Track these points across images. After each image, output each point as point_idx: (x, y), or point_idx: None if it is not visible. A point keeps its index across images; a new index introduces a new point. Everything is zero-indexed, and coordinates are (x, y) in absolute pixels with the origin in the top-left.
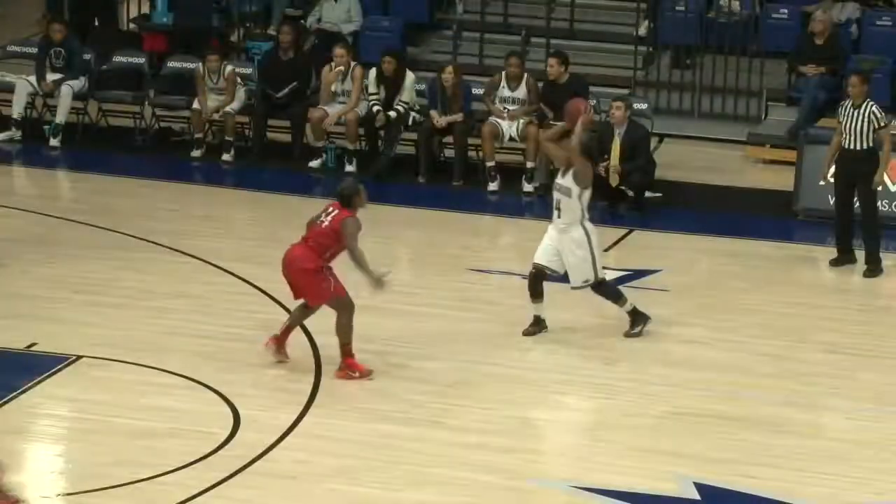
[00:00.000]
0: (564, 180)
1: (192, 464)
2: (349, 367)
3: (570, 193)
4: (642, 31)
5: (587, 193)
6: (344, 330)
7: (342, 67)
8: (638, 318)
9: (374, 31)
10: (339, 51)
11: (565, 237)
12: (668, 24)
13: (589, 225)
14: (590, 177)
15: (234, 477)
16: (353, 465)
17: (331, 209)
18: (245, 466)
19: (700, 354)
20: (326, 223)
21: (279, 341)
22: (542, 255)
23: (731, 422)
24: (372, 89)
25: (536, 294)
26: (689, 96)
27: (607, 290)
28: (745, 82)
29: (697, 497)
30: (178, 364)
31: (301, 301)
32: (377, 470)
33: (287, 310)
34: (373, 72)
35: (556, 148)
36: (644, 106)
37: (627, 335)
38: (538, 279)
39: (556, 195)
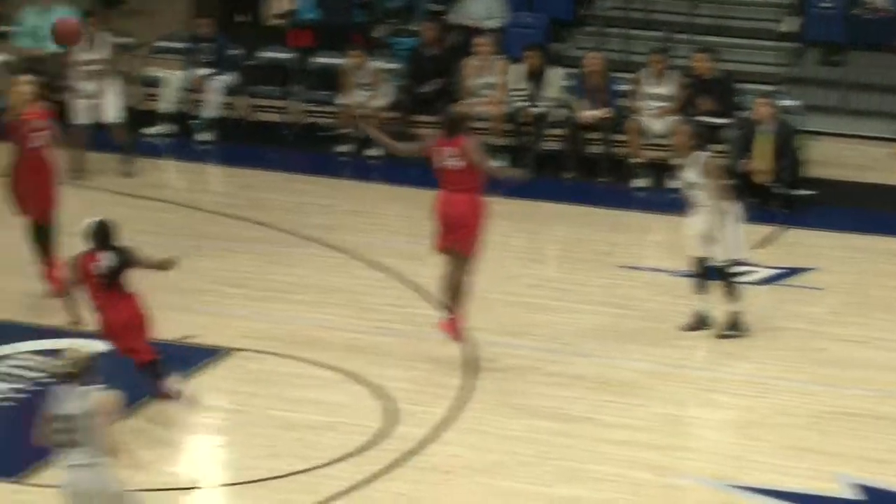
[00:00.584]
0: (691, 173)
1: (346, 457)
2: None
3: (699, 186)
4: (786, 27)
5: (717, 183)
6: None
7: (484, 57)
8: (737, 324)
9: (519, 28)
10: (480, 40)
11: (707, 220)
12: (814, 21)
13: (727, 206)
14: (718, 169)
15: (388, 471)
16: (506, 460)
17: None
18: (399, 460)
19: (855, 353)
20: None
21: (454, 323)
22: (698, 246)
23: (890, 422)
24: (517, 85)
25: (702, 288)
26: (837, 93)
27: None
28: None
29: (863, 498)
30: (331, 357)
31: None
32: (529, 465)
33: (437, 306)
34: (518, 67)
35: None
36: (794, 103)
37: (720, 335)
38: (702, 272)
39: (686, 188)
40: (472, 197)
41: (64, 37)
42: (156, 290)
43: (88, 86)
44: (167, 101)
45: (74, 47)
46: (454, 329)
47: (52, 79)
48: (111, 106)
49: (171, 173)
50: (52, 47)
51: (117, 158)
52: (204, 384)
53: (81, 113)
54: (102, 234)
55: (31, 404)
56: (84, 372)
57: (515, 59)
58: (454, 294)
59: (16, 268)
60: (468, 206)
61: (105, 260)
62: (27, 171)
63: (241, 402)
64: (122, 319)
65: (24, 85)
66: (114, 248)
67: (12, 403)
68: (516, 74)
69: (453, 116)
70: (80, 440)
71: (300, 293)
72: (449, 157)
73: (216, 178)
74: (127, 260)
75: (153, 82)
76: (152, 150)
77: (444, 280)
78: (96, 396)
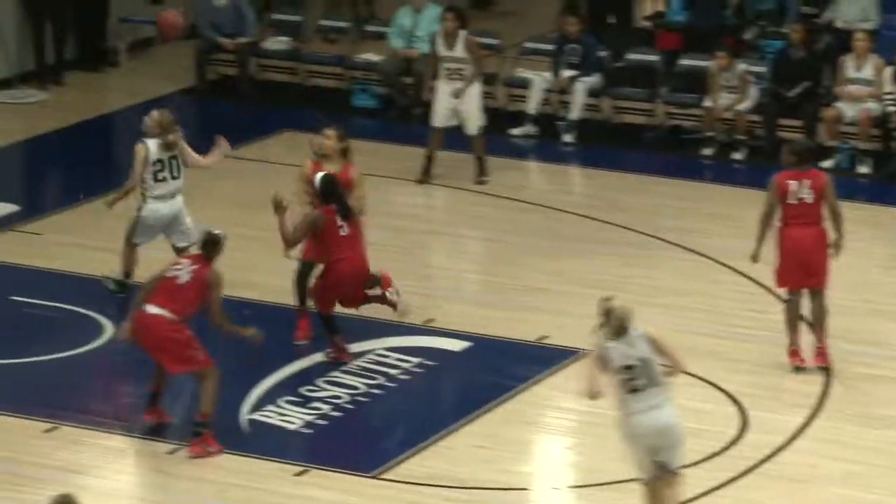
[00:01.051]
0: None
1: (699, 462)
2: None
3: None
4: None
5: None
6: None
7: (861, 54)
8: None
9: (892, 31)
10: (859, 35)
11: None
12: None
13: None
14: None
15: (740, 478)
16: (862, 471)
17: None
18: (752, 468)
19: None
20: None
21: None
22: None
23: None
24: (888, 87)
25: None
26: None
27: None
28: None
29: None
30: (687, 361)
31: None
32: (887, 476)
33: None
34: (890, 70)
35: None
36: None
37: None
38: None
39: None
40: (820, 229)
41: (163, 30)
42: (511, 290)
43: (449, 87)
44: (533, 102)
45: (439, 49)
46: (823, 357)
47: (420, 79)
48: (471, 116)
49: (534, 174)
50: (424, 48)
51: (473, 167)
52: (559, 385)
53: (440, 116)
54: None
55: (386, 401)
56: (626, 322)
57: (887, 63)
58: (819, 325)
59: None
60: (819, 241)
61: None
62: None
63: (593, 404)
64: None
65: (330, 139)
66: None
67: (368, 400)
68: (888, 77)
69: (805, 147)
70: (647, 384)
71: (657, 296)
72: (800, 191)
73: (577, 180)
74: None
75: (520, 83)
76: (516, 151)
77: (792, 313)
78: (646, 339)
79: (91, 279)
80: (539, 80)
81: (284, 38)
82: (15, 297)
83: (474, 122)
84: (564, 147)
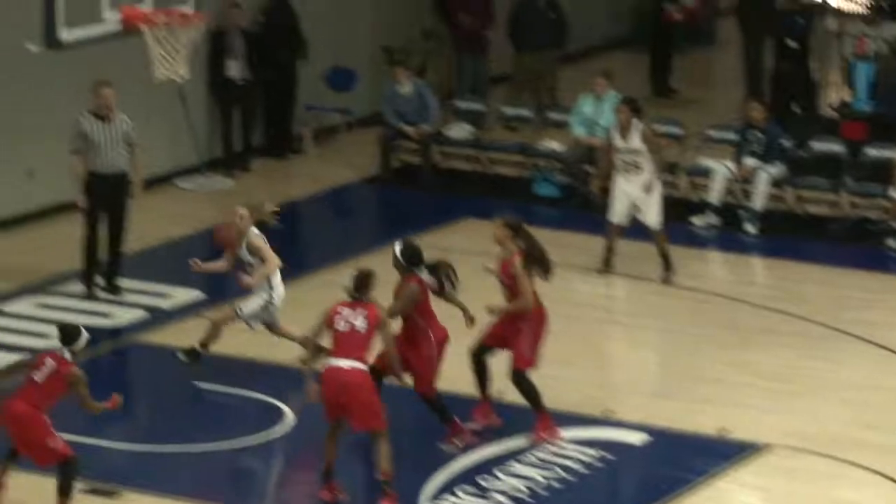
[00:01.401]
0: None
1: None
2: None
3: None
4: None
5: None
6: None
7: None
8: None
9: None
10: None
11: None
12: None
13: None
14: None
15: None
16: None
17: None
18: None
19: None
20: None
21: None
22: None
23: None
24: None
25: None
26: None
27: None
28: None
29: None
30: (869, 458)
31: None
32: None
33: None
34: None
35: None
36: None
37: None
38: None
39: None
40: None
41: (218, 239)
42: (691, 381)
43: (625, 179)
44: (715, 191)
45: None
46: None
47: (600, 169)
48: (652, 211)
49: (715, 264)
50: (604, 135)
51: (660, 265)
52: (737, 479)
53: (618, 211)
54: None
55: (567, 495)
56: None
57: None
58: None
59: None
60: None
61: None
62: None
63: (776, 500)
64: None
65: (497, 228)
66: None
67: (548, 494)
68: None
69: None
70: None
71: (838, 389)
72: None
73: (759, 270)
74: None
75: (702, 172)
76: (697, 241)
77: None
78: None
79: (272, 366)
80: (722, 168)
81: (467, 126)
82: (198, 383)
83: (655, 215)
84: (746, 237)
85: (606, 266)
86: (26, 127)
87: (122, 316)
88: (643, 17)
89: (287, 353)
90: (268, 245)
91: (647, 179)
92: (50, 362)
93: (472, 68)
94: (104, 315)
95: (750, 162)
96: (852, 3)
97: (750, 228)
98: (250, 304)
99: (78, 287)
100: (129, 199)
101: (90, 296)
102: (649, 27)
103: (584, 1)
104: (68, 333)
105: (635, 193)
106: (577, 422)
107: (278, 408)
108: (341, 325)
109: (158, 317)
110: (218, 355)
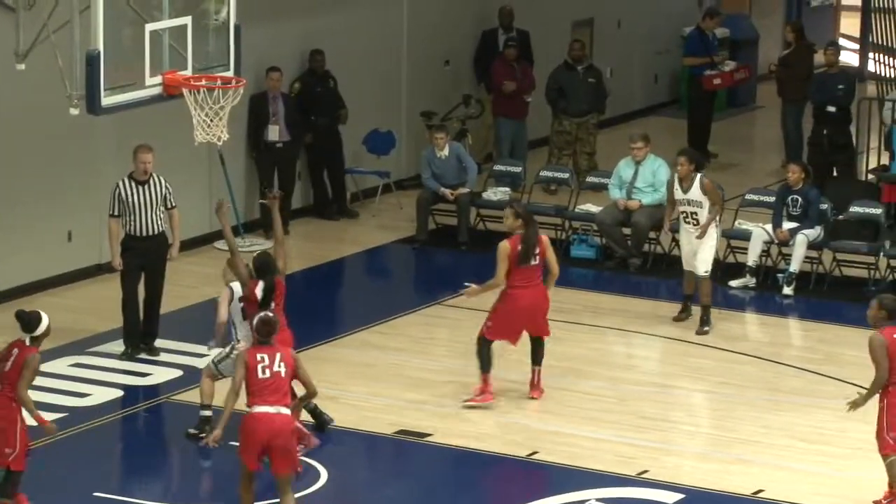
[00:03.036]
0: None
1: None
2: None
3: None
4: None
5: None
6: None
7: None
8: None
9: None
10: None
11: None
12: None
13: None
14: None
15: None
16: None
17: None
18: None
19: None
20: None
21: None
22: None
23: None
24: None
25: None
26: None
27: None
28: None
29: None
30: None
31: None
32: None
33: None
34: None
35: None
36: None
37: None
38: None
39: None
40: None
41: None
42: (726, 442)
43: (685, 230)
44: (753, 253)
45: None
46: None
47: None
48: (701, 258)
49: (752, 326)
50: (643, 199)
51: (699, 316)
52: None
53: (686, 259)
54: None
55: None
56: None
57: None
58: None
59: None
60: None
61: None
62: None
63: None
64: None
65: (507, 218)
66: None
67: None
68: None
69: None
70: None
71: (877, 452)
72: None
73: (795, 332)
74: None
75: (740, 235)
76: (735, 303)
77: None
78: None
79: (309, 426)
80: (759, 231)
81: (504, 189)
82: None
83: (704, 263)
84: (784, 299)
85: (683, 313)
86: (66, 189)
87: (159, 375)
88: (682, 82)
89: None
90: (225, 302)
91: (702, 228)
92: (15, 351)
93: (511, 132)
94: (141, 374)
95: (787, 225)
96: (892, 68)
97: (787, 290)
98: (218, 355)
99: (116, 347)
100: (167, 261)
101: (128, 355)
102: (688, 92)
103: (624, 67)
104: (28, 321)
105: (695, 243)
106: (612, 482)
107: (313, 467)
108: (262, 373)
109: (193, 376)
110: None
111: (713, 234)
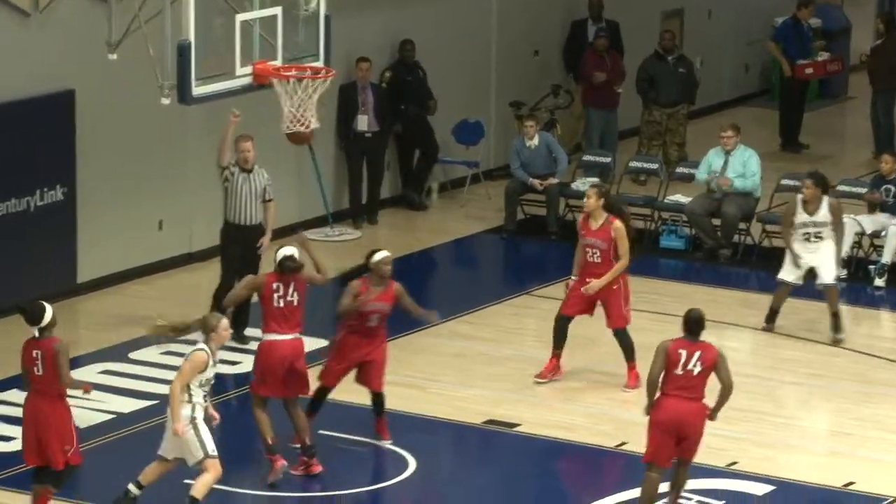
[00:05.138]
0: None
1: None
2: None
3: None
4: None
5: None
6: None
7: None
8: None
9: None
10: None
11: None
12: None
13: None
14: None
15: None
16: None
17: None
18: None
19: None
20: None
21: None
22: None
23: None
24: None
25: None
26: None
27: None
28: None
29: None
30: None
31: None
32: None
33: None
34: None
35: None
36: None
37: None
38: None
39: None
40: None
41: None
42: (817, 434)
43: (804, 249)
44: (845, 245)
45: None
46: None
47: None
48: (827, 268)
49: (844, 318)
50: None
51: (829, 322)
52: None
53: (794, 273)
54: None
55: None
56: None
57: None
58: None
59: None
60: None
61: None
62: None
63: None
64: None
65: (590, 197)
66: None
67: None
68: None
69: None
70: None
71: None
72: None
73: (888, 324)
74: None
75: None
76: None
77: None
78: None
79: (399, 415)
80: (851, 222)
81: (593, 179)
82: (324, 432)
83: (830, 271)
84: (876, 290)
85: (769, 322)
86: (157, 178)
87: (248, 363)
88: (774, 72)
89: (414, 403)
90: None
91: (827, 245)
92: (36, 353)
93: (601, 122)
94: (231, 363)
95: (880, 216)
96: None
97: (879, 282)
98: None
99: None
100: (259, 250)
101: None
102: (780, 82)
103: (714, 57)
104: (32, 313)
105: (815, 261)
106: (702, 473)
107: (402, 456)
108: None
109: None
110: (342, 403)
111: (831, 243)
